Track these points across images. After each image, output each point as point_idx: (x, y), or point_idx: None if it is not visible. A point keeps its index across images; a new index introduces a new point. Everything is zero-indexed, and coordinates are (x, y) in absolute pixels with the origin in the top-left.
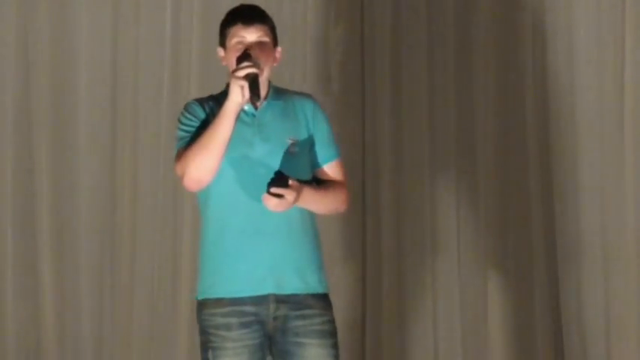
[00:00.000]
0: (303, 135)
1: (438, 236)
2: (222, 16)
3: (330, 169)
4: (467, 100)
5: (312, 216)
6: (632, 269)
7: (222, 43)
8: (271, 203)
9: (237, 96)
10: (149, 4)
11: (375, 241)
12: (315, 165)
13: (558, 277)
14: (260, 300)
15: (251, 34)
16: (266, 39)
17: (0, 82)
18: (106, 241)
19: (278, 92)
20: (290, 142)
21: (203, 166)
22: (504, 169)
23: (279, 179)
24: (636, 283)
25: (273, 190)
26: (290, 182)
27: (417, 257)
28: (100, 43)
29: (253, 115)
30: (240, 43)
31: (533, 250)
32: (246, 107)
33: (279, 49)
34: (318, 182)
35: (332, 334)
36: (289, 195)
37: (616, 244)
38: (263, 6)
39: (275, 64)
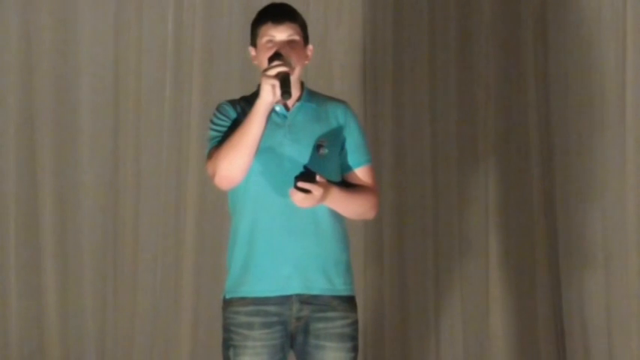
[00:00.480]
0: (333, 139)
1: (439, 236)
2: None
3: (361, 174)
4: (468, 101)
5: (341, 217)
6: (633, 267)
7: (253, 43)
8: (297, 198)
9: (269, 95)
10: (151, 4)
11: (376, 241)
12: (345, 169)
13: (560, 275)
14: (284, 300)
15: (281, 33)
16: (297, 37)
17: (3, 83)
18: (108, 241)
19: (311, 95)
20: (320, 143)
21: (234, 164)
22: (507, 169)
23: (307, 174)
24: (637, 280)
25: (300, 184)
26: (317, 178)
27: (418, 256)
28: (102, 44)
29: (285, 116)
30: (270, 42)
31: (535, 249)
32: (277, 108)
33: (310, 47)
34: (348, 186)
35: (352, 337)
36: (316, 190)
37: (617, 243)
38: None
39: (307, 62)
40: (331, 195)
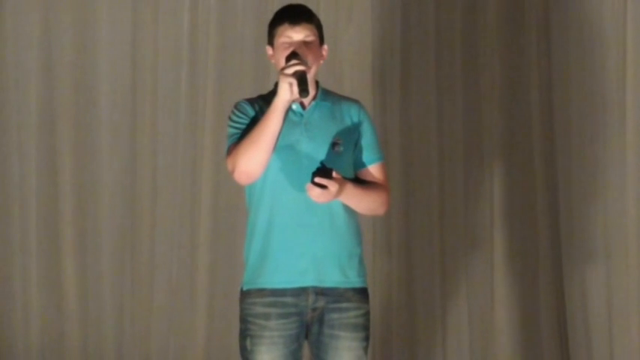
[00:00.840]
0: (348, 137)
1: (446, 232)
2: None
3: (374, 171)
4: (474, 101)
5: (354, 213)
6: (633, 263)
7: (271, 42)
8: (314, 193)
9: (286, 93)
10: (167, 7)
11: (384, 237)
12: (358, 166)
13: (563, 270)
14: (300, 292)
15: (298, 34)
16: (312, 38)
17: (25, 82)
18: (126, 235)
19: (326, 94)
20: (335, 141)
21: (253, 160)
22: (511, 168)
23: (323, 170)
24: (637, 276)
25: (317, 179)
26: (333, 174)
27: (425, 253)
28: (120, 45)
29: (302, 115)
30: (287, 42)
31: (538, 246)
32: (294, 106)
33: (325, 46)
34: (361, 182)
35: (364, 327)
36: (332, 186)
37: (618, 239)
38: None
39: (322, 62)
40: (346, 191)
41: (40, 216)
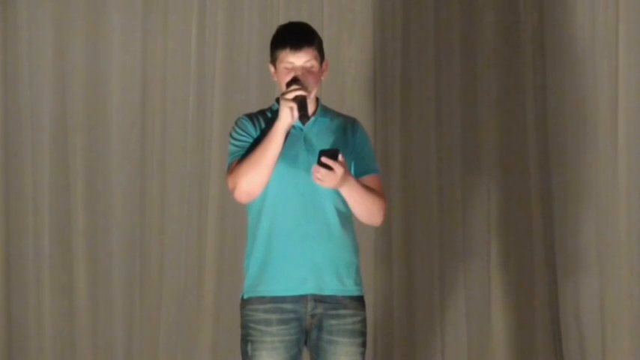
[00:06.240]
0: (345, 150)
1: (444, 239)
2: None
3: (369, 182)
4: (471, 115)
5: (351, 224)
6: (625, 269)
7: (273, 62)
8: (320, 173)
9: (287, 117)
10: (176, 21)
11: (385, 244)
12: (355, 177)
13: (557, 276)
14: (299, 299)
15: (299, 59)
16: (314, 62)
17: (39, 95)
18: (135, 244)
19: (326, 110)
20: (335, 148)
21: (253, 181)
22: (507, 177)
23: (330, 151)
24: (629, 281)
25: (324, 159)
26: (340, 158)
27: (425, 259)
28: (130, 59)
29: (301, 129)
30: (288, 67)
31: (533, 252)
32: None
33: (326, 61)
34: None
35: (361, 333)
36: (337, 168)
37: (609, 247)
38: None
39: (323, 77)
40: (349, 181)
41: (52, 224)
